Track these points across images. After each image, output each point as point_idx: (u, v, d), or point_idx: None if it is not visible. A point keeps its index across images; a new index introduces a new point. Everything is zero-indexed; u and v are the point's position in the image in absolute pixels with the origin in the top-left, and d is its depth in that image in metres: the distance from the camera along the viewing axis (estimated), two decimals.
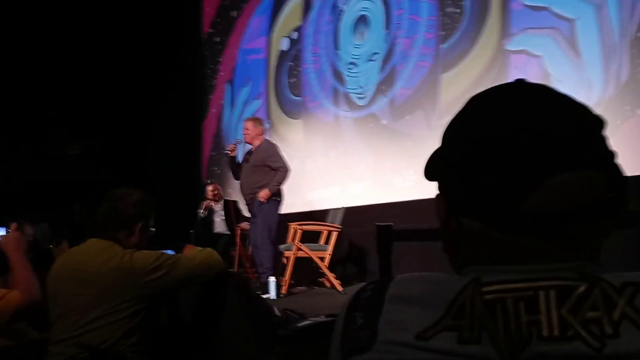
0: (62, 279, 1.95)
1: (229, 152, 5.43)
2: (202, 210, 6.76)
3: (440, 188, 0.65)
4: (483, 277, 0.57)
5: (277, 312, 2.45)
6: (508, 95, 0.63)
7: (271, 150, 5.23)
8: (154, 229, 2.14)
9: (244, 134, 5.32)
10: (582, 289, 0.55)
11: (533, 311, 0.54)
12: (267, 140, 5.38)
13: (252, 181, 5.15)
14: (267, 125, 7.09)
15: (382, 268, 2.27)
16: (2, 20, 7.62)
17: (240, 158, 5.51)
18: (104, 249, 1.95)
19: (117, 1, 8.34)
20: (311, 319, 2.51)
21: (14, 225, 2.15)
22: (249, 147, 5.38)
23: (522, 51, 4.75)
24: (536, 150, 0.56)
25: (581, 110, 0.61)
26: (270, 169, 5.13)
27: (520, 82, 0.64)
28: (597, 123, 0.60)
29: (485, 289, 0.56)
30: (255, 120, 5.46)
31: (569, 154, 0.57)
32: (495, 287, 0.56)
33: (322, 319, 2.52)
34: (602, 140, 0.60)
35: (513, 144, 0.57)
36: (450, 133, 0.65)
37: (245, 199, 5.33)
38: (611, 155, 0.60)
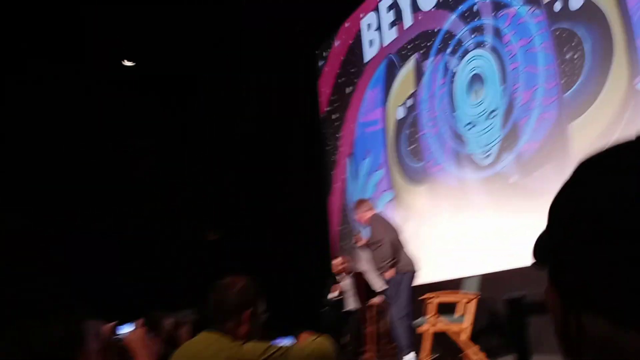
0: None
1: (357, 244, 5.50)
2: (334, 295, 6.57)
3: (551, 277, 0.53)
4: None
5: None
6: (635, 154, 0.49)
7: (374, 223, 5.18)
8: (266, 314, 2.10)
9: (357, 221, 5.45)
10: None
11: None
12: (373, 215, 5.30)
13: (376, 260, 5.15)
14: (376, 202, 7.03)
15: (518, 345, 2.05)
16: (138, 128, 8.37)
17: None
18: (213, 342, 1.94)
19: (243, 97, 8.88)
20: None
21: (140, 321, 2.22)
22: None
23: None
24: None
25: None
26: (378, 243, 5.05)
27: None
28: None
29: None
30: (358, 202, 5.47)
31: None
32: None
33: None
34: None
35: None
36: (562, 206, 0.52)
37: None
38: None
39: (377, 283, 6.29)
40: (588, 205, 0.49)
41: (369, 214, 5.23)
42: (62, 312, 2.08)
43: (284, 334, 2.34)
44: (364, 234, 5.41)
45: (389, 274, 4.90)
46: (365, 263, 6.28)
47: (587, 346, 0.49)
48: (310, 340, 2.03)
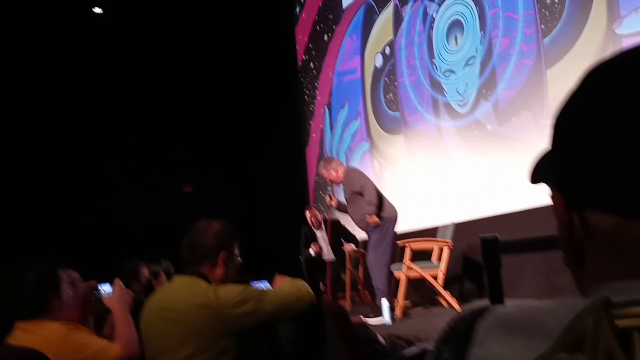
0: (151, 320, 1.93)
1: (331, 204, 5.34)
2: (312, 253, 6.51)
3: (556, 184, 0.53)
4: (614, 297, 0.42)
5: (381, 339, 2.29)
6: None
7: (351, 177, 5.05)
8: (240, 259, 2.08)
9: (329, 181, 5.26)
10: None
11: None
12: (347, 169, 5.17)
13: (355, 213, 5.03)
14: (342, 159, 6.90)
15: (492, 285, 2.06)
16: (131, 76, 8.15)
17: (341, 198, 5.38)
18: (188, 285, 1.91)
19: (217, 45, 8.66)
20: (419, 344, 2.32)
21: (116, 280, 2.20)
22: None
23: (635, 33, 4.30)
24: None
25: None
26: (359, 194, 4.94)
27: None
28: None
29: (616, 312, 0.41)
30: (324, 163, 5.25)
31: None
32: (633, 309, 0.41)
33: (428, 345, 2.32)
34: None
35: None
36: (570, 113, 0.51)
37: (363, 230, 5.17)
38: None
39: (352, 232, 6.33)
40: (598, 104, 0.47)
41: (341, 169, 5.10)
42: (35, 261, 2.04)
43: (259, 278, 2.31)
44: (337, 193, 5.29)
45: (374, 220, 4.80)
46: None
47: (590, 244, 0.48)
48: (287, 282, 2.01)
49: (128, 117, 8.21)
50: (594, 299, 0.43)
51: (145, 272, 3.97)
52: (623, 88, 0.46)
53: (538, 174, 0.58)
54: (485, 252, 1.94)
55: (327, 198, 5.34)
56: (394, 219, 4.93)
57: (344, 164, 7.01)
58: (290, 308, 1.90)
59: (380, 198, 4.93)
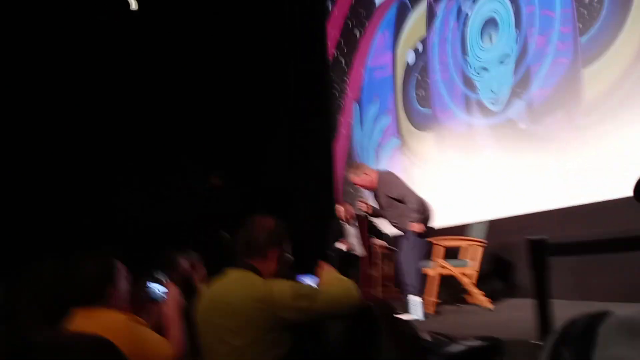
0: (207, 311, 2.00)
1: (365, 211, 5.12)
2: (343, 248, 6.52)
3: None
4: None
5: (425, 336, 2.33)
6: None
7: (387, 180, 4.88)
8: (290, 256, 2.14)
9: (360, 187, 5.10)
10: None
11: None
12: (379, 173, 4.98)
13: (395, 218, 4.87)
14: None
15: (538, 285, 2.08)
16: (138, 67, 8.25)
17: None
18: (242, 278, 1.98)
19: (248, 35, 8.71)
20: (462, 342, 2.35)
21: (170, 284, 2.28)
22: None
23: None
24: None
25: None
26: (396, 200, 4.79)
27: None
28: None
29: None
30: (353, 170, 5.04)
31: None
32: None
33: (473, 342, 2.36)
34: None
35: None
36: None
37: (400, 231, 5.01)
38: None
39: (382, 229, 6.34)
40: None
41: (374, 173, 4.92)
42: (94, 252, 2.12)
43: (304, 272, 2.37)
44: (370, 199, 5.13)
45: (420, 227, 4.67)
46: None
47: None
48: (337, 282, 2.05)
49: (151, 112, 8.30)
50: None
51: (184, 263, 4.05)
52: None
53: None
54: (533, 253, 1.97)
55: (362, 205, 5.09)
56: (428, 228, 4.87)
57: (373, 164, 7.07)
58: (340, 308, 1.95)
59: (422, 204, 4.81)
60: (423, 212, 4.78)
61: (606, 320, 0.52)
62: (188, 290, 2.65)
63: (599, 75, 4.85)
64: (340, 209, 6.82)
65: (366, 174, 4.89)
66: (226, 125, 8.68)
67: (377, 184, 4.87)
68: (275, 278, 2.03)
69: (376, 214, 5.11)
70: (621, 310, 0.54)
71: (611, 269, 4.26)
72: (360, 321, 1.99)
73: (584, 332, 0.53)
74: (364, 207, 5.06)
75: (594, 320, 0.53)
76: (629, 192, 4.51)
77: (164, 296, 2.27)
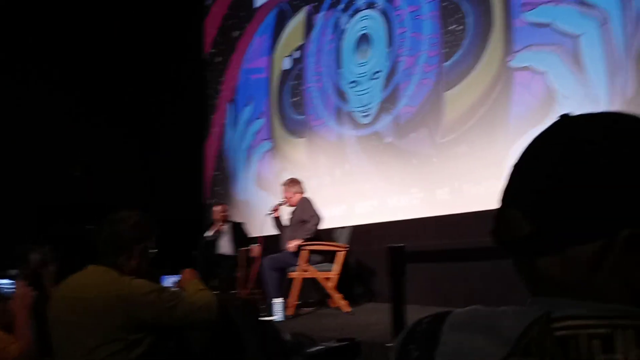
0: (60, 309, 1.92)
1: (273, 214, 5.56)
2: (211, 233, 6.68)
3: None
4: (553, 311, 0.55)
5: (287, 336, 2.40)
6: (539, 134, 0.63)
7: (305, 205, 5.37)
8: (155, 250, 2.11)
9: (283, 198, 5.53)
10: None
11: (609, 350, 0.51)
12: (303, 198, 5.45)
13: (289, 231, 5.33)
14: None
15: (395, 290, 2.23)
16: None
17: (284, 220, 5.59)
18: (100, 275, 1.92)
19: (121, 22, 8.36)
20: (322, 344, 2.46)
21: (19, 281, 2.17)
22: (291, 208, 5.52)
23: (526, 68, 4.74)
24: (509, 184, 0.61)
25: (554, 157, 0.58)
26: (305, 222, 5.26)
27: (560, 118, 0.61)
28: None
29: (556, 324, 0.54)
30: (289, 182, 5.55)
31: (516, 191, 0.60)
32: (568, 322, 0.53)
33: (333, 343, 2.47)
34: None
35: (509, 177, 0.61)
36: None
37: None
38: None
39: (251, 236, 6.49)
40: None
41: (298, 196, 5.43)
42: None
43: (168, 273, 2.35)
44: (285, 209, 5.55)
45: (295, 245, 5.06)
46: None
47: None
48: (199, 291, 2.03)
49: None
50: (539, 312, 0.56)
51: (35, 258, 3.82)
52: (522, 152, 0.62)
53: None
54: (392, 259, 2.11)
55: (274, 209, 5.58)
56: None
57: (244, 166, 7.35)
58: (198, 317, 1.94)
59: (314, 234, 5.24)
60: (311, 234, 5.20)
61: (448, 319, 0.60)
62: (39, 287, 2.52)
63: (459, 98, 5.26)
64: (216, 210, 6.85)
65: (295, 192, 5.44)
66: (96, 115, 8.26)
67: (296, 204, 5.40)
68: (138, 276, 1.98)
69: (278, 223, 5.56)
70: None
71: (461, 276, 4.63)
72: (223, 327, 2.01)
73: (428, 330, 0.60)
74: (275, 212, 5.56)
75: (437, 319, 0.61)
76: (477, 208, 4.89)
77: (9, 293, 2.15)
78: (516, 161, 0.61)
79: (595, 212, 0.54)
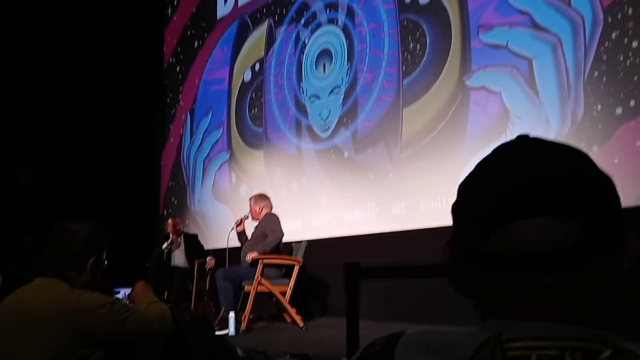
0: (5, 323, 1.84)
1: (236, 228, 5.57)
2: (166, 246, 6.57)
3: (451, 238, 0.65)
4: (504, 333, 0.55)
5: (239, 352, 2.36)
6: (497, 150, 0.63)
7: (269, 221, 5.38)
8: (106, 262, 2.04)
9: (249, 211, 5.55)
10: (607, 354, 0.52)
11: None
12: (270, 213, 5.47)
13: (249, 244, 5.33)
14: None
15: (350, 307, 2.23)
16: None
17: (249, 233, 5.60)
18: (48, 287, 1.85)
19: (82, 26, 8.20)
20: (274, 359, 2.43)
21: None
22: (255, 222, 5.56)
23: (482, 87, 4.85)
24: (497, 198, 0.58)
25: (552, 163, 0.59)
26: (266, 236, 5.27)
27: (517, 139, 0.62)
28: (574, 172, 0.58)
29: (506, 345, 0.54)
30: (258, 197, 5.58)
31: (527, 202, 0.56)
32: (519, 343, 0.54)
33: (286, 358, 2.45)
34: (579, 190, 0.57)
35: (481, 193, 0.59)
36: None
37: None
38: (589, 204, 0.57)
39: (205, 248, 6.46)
40: (464, 181, 0.63)
41: (265, 211, 5.46)
42: None
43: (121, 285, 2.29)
44: (251, 223, 5.58)
45: (254, 256, 5.05)
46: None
47: (467, 286, 0.62)
48: (150, 304, 1.98)
49: None
50: (490, 333, 0.56)
51: None
52: (479, 170, 0.62)
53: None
54: (347, 275, 2.11)
55: (237, 223, 5.59)
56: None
57: (200, 176, 7.34)
58: (151, 331, 1.88)
59: (275, 250, 5.26)
60: (269, 249, 5.20)
61: (401, 340, 0.60)
62: None
63: (417, 115, 5.34)
64: (169, 223, 6.75)
65: (263, 207, 5.49)
66: (49, 120, 8.05)
67: (262, 217, 5.44)
68: (91, 289, 1.92)
69: (240, 236, 5.59)
70: (415, 329, 0.63)
71: (414, 291, 4.67)
72: (174, 342, 1.97)
73: (381, 352, 0.60)
74: (238, 225, 5.58)
75: (390, 341, 0.61)
76: (433, 224, 4.95)
77: None
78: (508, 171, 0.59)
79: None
